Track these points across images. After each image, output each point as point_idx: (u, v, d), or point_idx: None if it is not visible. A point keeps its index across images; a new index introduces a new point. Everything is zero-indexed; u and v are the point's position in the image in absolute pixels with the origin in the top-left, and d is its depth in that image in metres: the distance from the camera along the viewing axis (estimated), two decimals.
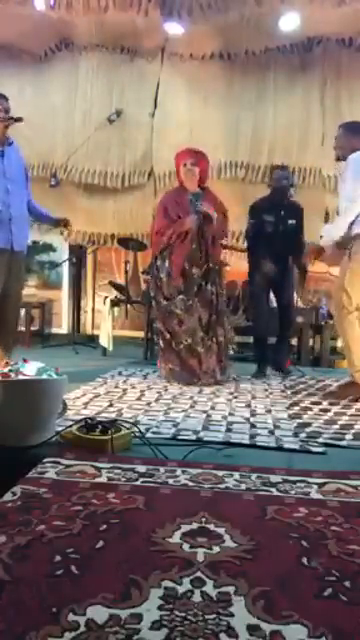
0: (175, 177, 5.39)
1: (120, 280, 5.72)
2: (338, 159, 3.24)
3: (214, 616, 0.96)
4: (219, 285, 3.61)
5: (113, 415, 2.44)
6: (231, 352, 3.76)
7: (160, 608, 0.97)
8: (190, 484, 1.62)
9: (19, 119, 3.00)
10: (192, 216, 3.47)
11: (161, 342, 3.61)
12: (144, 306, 4.89)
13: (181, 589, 1.04)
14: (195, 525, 1.33)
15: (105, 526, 1.31)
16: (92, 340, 5.64)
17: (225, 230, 3.78)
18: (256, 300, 4.10)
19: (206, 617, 0.95)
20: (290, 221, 3.90)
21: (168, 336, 3.51)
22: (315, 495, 1.56)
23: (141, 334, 5.01)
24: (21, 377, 1.97)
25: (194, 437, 2.17)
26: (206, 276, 3.51)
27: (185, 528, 1.31)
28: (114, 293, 5.38)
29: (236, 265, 4.28)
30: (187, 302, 3.45)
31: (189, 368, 3.48)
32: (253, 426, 2.40)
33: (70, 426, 2.02)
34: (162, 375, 3.64)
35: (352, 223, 2.99)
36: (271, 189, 4.02)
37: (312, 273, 5.25)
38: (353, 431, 2.37)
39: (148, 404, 2.81)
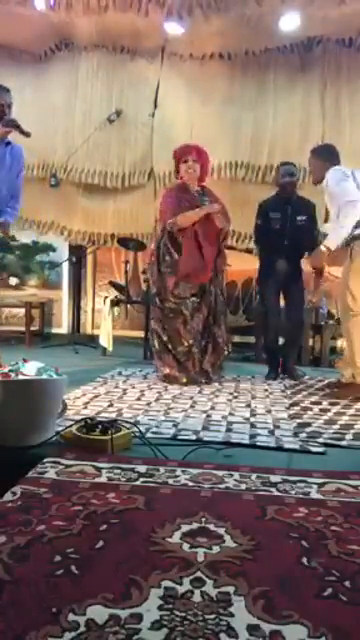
0: (175, 177, 5.38)
1: (120, 280, 5.71)
2: (315, 183, 3.39)
3: (214, 616, 0.96)
4: (220, 287, 3.61)
5: (113, 415, 2.44)
6: (226, 353, 3.72)
7: (160, 608, 0.97)
8: (190, 484, 1.61)
9: (26, 134, 2.94)
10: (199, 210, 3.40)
11: (156, 344, 3.56)
12: (144, 306, 4.89)
13: (181, 589, 1.04)
14: (195, 525, 1.33)
15: (105, 526, 1.31)
16: (92, 340, 5.63)
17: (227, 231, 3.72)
18: (267, 303, 3.92)
19: (206, 617, 0.95)
20: (300, 217, 3.74)
21: (166, 338, 3.50)
22: (315, 495, 1.56)
23: (141, 334, 5.01)
24: (21, 377, 1.97)
25: (194, 437, 2.17)
26: (211, 279, 3.52)
27: (185, 528, 1.31)
28: (114, 293, 5.38)
29: (235, 265, 4.27)
30: (195, 304, 3.46)
31: (185, 369, 3.48)
32: (253, 426, 2.40)
33: (70, 426, 2.02)
34: (160, 378, 3.58)
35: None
36: (278, 186, 3.93)
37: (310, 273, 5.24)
38: (353, 431, 2.38)
39: (148, 404, 2.81)
